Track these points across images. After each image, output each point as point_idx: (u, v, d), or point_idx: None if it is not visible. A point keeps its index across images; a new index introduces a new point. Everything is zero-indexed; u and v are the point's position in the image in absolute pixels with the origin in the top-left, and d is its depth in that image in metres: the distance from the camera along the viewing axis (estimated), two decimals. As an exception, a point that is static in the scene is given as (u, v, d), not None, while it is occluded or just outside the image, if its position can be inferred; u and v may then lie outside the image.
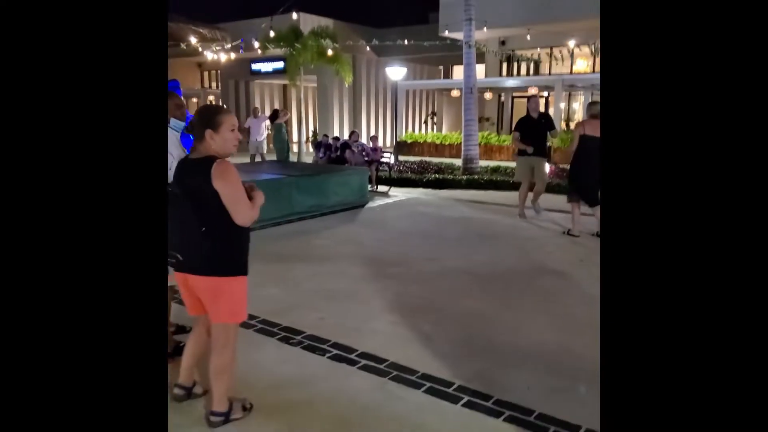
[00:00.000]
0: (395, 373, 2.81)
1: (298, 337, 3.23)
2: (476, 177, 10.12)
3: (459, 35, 11.44)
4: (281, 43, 13.36)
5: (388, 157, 10.43)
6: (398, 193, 9.08)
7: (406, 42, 13.94)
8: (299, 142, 14.54)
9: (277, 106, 21.35)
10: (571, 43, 12.75)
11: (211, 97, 23.74)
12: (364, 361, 2.93)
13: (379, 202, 8.35)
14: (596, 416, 2.45)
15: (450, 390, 2.65)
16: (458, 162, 11.56)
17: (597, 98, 11.93)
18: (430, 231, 6.43)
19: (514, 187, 9.42)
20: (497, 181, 9.70)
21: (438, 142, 17.12)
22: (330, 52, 13.08)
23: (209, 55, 13.51)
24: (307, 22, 17.09)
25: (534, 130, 6.78)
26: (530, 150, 6.71)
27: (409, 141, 17.70)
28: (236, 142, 2.18)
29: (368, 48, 17.98)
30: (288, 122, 12.83)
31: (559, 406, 2.50)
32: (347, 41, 14.95)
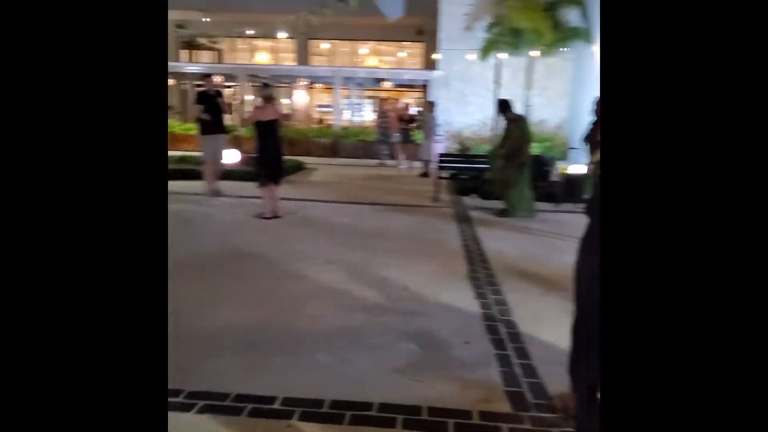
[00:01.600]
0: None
1: None
2: (161, 167, 9.30)
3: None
4: None
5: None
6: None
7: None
8: None
9: None
10: (249, 33, 12.98)
11: None
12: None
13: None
14: (291, 383, 2.51)
15: (133, 396, 2.29)
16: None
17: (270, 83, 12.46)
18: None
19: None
20: (186, 171, 9.13)
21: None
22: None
23: None
24: None
25: (213, 106, 7.23)
26: (208, 117, 7.18)
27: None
28: None
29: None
30: None
31: (254, 383, 2.44)
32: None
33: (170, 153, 11.33)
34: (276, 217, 6.08)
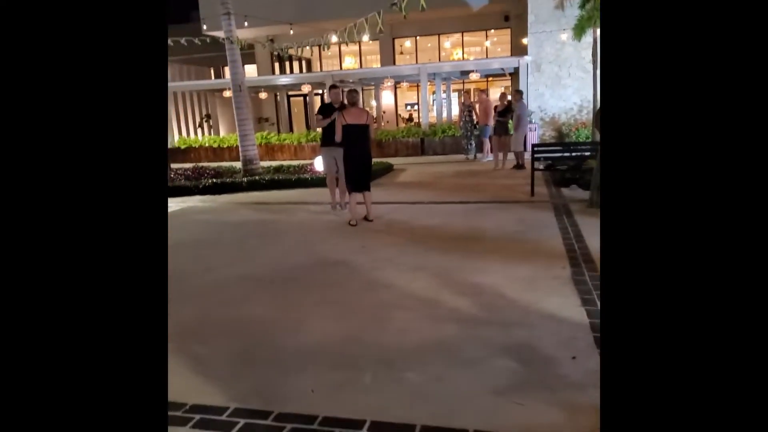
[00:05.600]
0: (154, 414, 2.32)
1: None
2: (257, 178, 9.70)
3: (221, 33, 10.80)
4: None
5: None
6: (171, 204, 8.18)
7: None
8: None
9: None
10: (334, 39, 13.13)
11: None
12: (113, 410, 2.36)
13: (147, 215, 7.36)
14: (380, 405, 2.36)
15: (224, 417, 2.27)
16: (239, 164, 11.00)
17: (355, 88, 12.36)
18: (205, 239, 5.85)
19: (298, 184, 9.30)
20: (279, 181, 9.44)
21: (215, 145, 16.17)
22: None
23: None
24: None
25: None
26: (325, 123, 6.69)
27: (183, 147, 16.35)
28: None
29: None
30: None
31: (343, 404, 2.32)
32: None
33: (267, 163, 11.83)
34: (368, 220, 6.04)
